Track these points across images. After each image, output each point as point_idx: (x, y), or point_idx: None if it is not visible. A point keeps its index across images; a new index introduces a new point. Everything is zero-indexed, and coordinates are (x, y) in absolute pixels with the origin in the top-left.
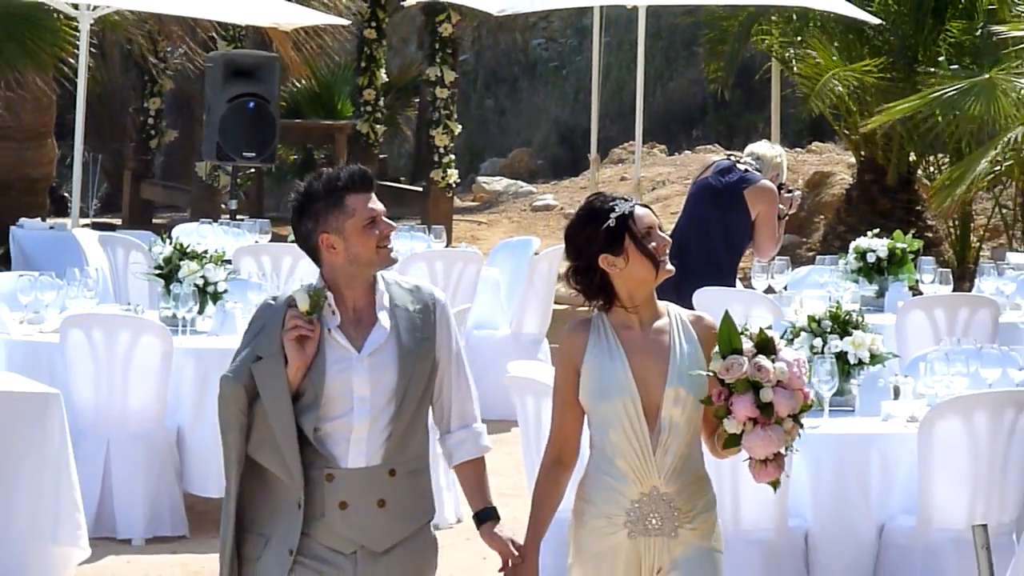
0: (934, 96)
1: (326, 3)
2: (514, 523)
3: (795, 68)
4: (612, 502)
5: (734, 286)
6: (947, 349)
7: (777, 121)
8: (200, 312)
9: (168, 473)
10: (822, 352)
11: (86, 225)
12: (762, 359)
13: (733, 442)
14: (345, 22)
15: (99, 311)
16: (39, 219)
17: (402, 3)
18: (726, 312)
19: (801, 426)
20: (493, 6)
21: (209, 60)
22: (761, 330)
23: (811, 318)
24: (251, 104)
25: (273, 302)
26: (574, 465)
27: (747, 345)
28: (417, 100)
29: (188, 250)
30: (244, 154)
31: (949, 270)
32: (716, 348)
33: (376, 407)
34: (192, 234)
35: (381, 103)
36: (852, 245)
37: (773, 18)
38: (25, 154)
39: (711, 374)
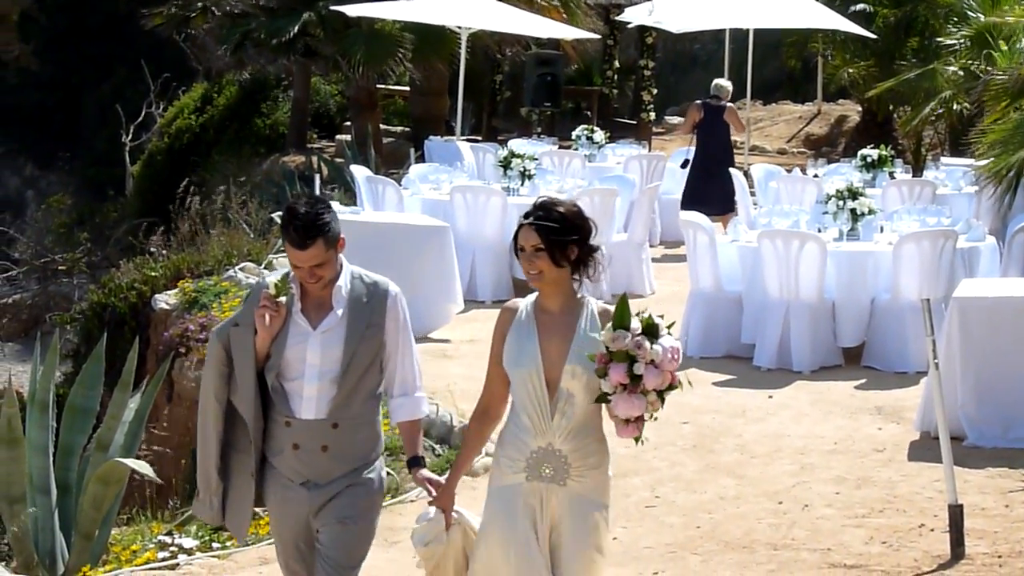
0: (904, 77)
1: (591, 28)
2: None
3: (829, 60)
4: (516, 448)
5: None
6: (908, 207)
7: (820, 89)
8: (521, 184)
9: (503, 265)
10: (843, 207)
11: (463, 140)
12: (644, 339)
13: (602, 399)
14: (598, 36)
15: (470, 183)
16: (438, 136)
17: (627, 25)
18: (623, 295)
19: (663, 400)
20: (673, 27)
21: (528, 55)
22: (650, 316)
23: (838, 190)
24: (549, 78)
25: (262, 283)
26: (499, 417)
27: (635, 325)
28: (634, 76)
29: (515, 153)
30: (545, 104)
31: (910, 166)
32: (611, 321)
33: (324, 374)
34: (517, 144)
35: (615, 78)
36: (859, 152)
37: (819, 34)
38: (430, 102)
39: (599, 338)
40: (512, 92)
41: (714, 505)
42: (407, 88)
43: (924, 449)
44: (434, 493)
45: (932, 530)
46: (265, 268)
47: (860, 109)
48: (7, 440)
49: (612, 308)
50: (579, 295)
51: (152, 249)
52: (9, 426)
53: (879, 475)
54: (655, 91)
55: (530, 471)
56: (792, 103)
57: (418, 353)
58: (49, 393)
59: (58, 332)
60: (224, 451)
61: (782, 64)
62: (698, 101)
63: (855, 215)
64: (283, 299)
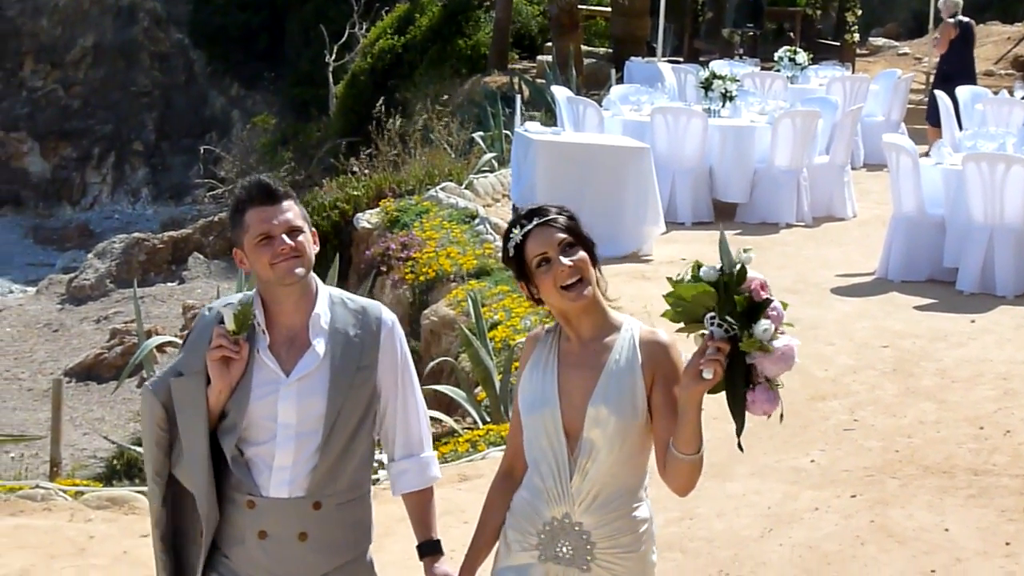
0: None
1: None
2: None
3: None
4: (527, 518)
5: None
6: None
7: None
8: (723, 106)
9: (703, 187)
10: None
11: (664, 61)
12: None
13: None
14: None
15: (671, 105)
16: (640, 57)
17: None
18: (722, 232)
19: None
20: None
21: None
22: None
23: None
24: None
25: (208, 312)
26: None
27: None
28: None
29: (717, 74)
30: (747, 25)
31: None
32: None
33: (301, 436)
34: (719, 65)
35: None
36: None
37: None
38: (632, 23)
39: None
40: (714, 13)
41: (913, 429)
42: (609, 8)
43: None
44: None
45: None
46: (466, 188)
47: None
48: None
49: (660, 335)
50: (617, 318)
51: (354, 169)
52: None
53: None
54: (859, 12)
55: (544, 549)
56: (1001, 23)
57: (423, 402)
58: None
59: None
60: (176, 541)
61: None
62: (951, 19)
63: None
64: (244, 336)
